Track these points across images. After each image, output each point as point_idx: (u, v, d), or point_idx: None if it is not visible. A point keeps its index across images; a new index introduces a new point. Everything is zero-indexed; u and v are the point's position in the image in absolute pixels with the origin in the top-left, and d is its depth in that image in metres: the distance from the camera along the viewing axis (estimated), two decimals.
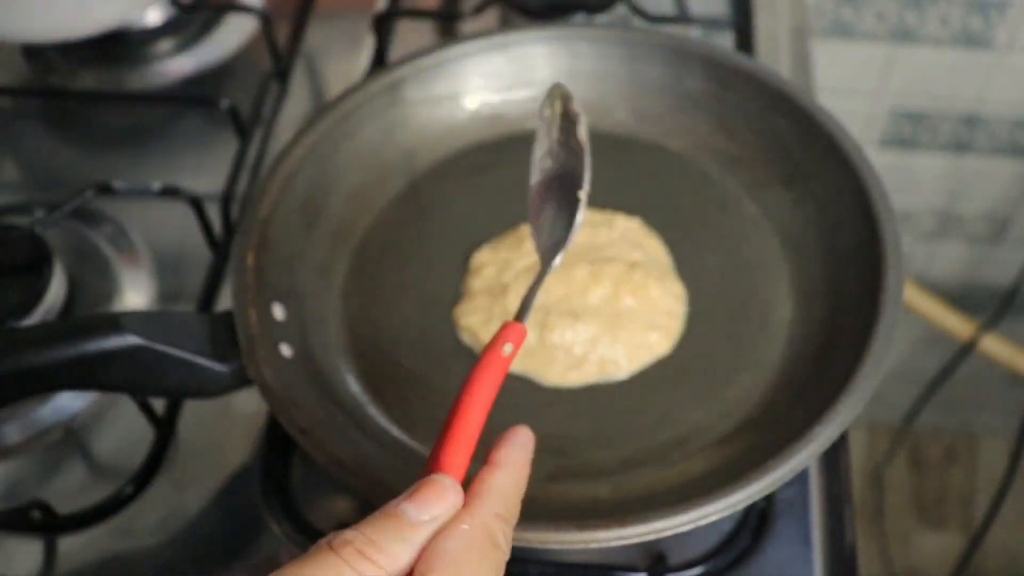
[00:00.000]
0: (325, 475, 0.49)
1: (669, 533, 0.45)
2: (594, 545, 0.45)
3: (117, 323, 0.48)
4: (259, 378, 0.50)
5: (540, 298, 0.58)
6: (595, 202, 0.63)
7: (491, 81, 0.66)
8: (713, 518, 0.46)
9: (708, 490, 0.46)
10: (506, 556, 0.38)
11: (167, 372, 0.50)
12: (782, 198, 0.61)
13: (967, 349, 1.35)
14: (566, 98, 0.51)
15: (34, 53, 0.82)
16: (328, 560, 0.34)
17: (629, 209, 0.62)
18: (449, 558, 0.35)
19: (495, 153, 0.66)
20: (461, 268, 0.61)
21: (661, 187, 0.64)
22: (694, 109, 0.65)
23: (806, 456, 0.47)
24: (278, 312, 0.55)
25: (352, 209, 0.62)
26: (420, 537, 0.36)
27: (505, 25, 0.79)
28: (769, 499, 0.55)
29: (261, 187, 0.58)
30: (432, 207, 0.63)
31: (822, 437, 0.47)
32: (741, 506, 0.46)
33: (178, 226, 0.68)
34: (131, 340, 0.47)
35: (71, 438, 0.60)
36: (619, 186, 0.63)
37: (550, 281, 0.58)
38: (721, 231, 0.61)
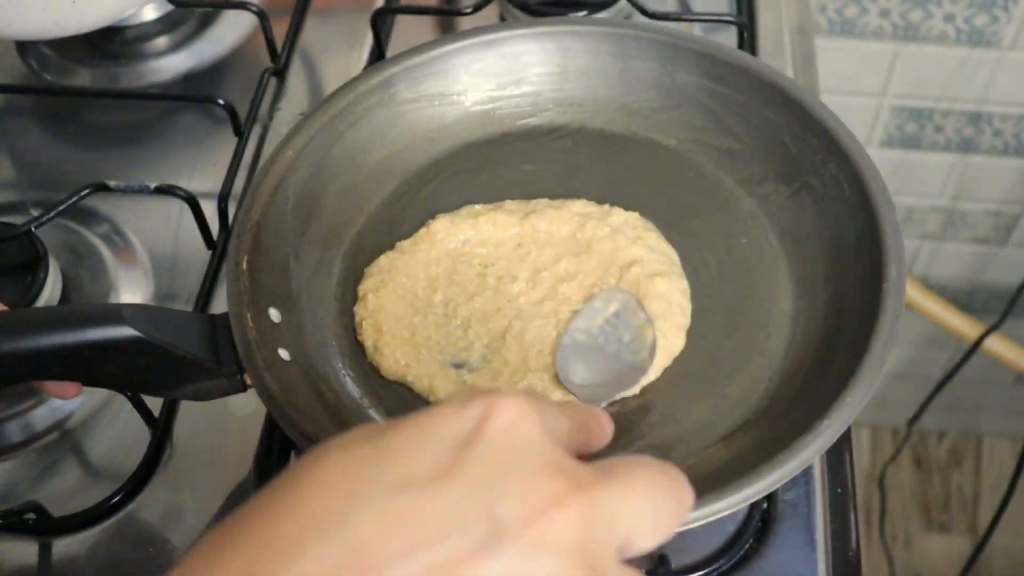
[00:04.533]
0: None
1: (680, 530, 0.44)
2: None
3: (118, 314, 0.47)
4: (259, 383, 0.50)
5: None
6: (589, 199, 0.62)
7: (482, 79, 0.66)
8: (725, 513, 0.45)
9: (718, 485, 0.45)
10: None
11: (165, 369, 0.49)
12: (779, 192, 0.61)
13: (972, 350, 1.34)
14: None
15: (29, 50, 0.81)
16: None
17: (624, 206, 0.62)
18: (649, 466, 0.34)
19: (488, 151, 0.65)
20: None
21: (655, 183, 0.63)
22: (687, 104, 0.64)
23: (816, 448, 0.46)
24: (275, 316, 0.54)
25: (345, 210, 0.62)
26: (581, 422, 0.36)
27: (504, 22, 0.78)
28: (772, 501, 0.54)
29: (253, 191, 0.57)
30: (425, 207, 0.63)
31: (831, 430, 0.47)
32: (753, 499, 0.45)
33: (174, 225, 0.68)
34: (130, 332, 0.47)
35: (66, 439, 0.59)
36: (613, 183, 0.63)
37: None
38: (717, 226, 0.61)
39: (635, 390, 0.53)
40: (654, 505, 0.33)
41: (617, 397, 0.53)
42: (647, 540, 0.32)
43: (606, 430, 0.39)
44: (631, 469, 0.33)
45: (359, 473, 0.29)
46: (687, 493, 0.34)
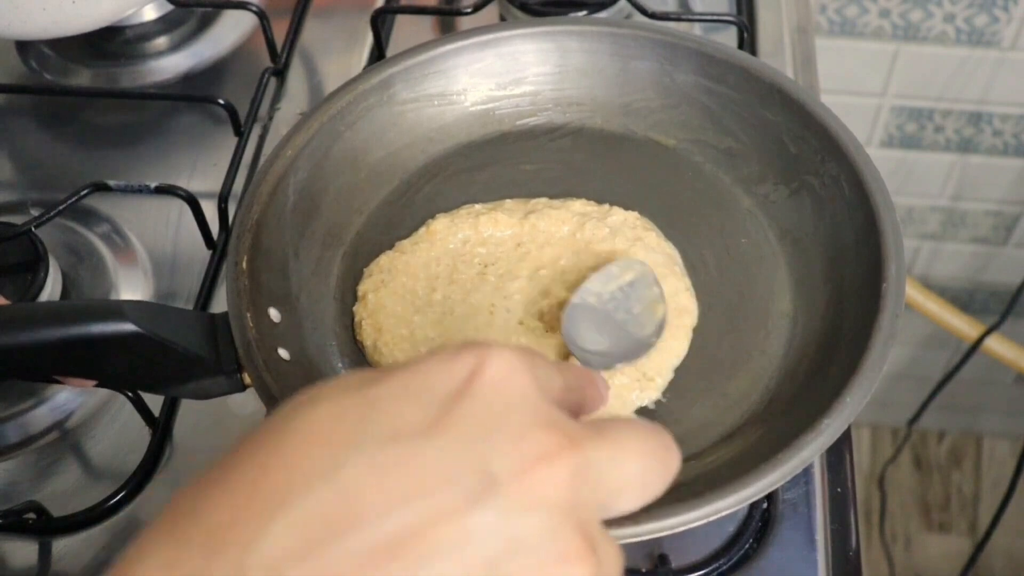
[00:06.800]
0: None
1: (681, 529, 0.44)
2: None
3: (120, 309, 0.47)
4: (259, 383, 0.50)
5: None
6: (588, 198, 0.62)
7: (481, 79, 0.65)
8: (726, 513, 0.45)
9: (719, 485, 0.45)
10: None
11: (165, 366, 0.49)
12: (778, 191, 0.61)
13: (972, 350, 1.34)
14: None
15: (29, 50, 0.81)
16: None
17: (623, 206, 0.62)
18: (638, 429, 0.33)
19: (487, 151, 0.65)
20: None
21: (654, 183, 0.63)
22: (686, 104, 0.64)
23: (816, 447, 0.46)
24: (275, 315, 0.54)
25: (344, 210, 0.62)
26: (576, 382, 0.36)
27: (504, 22, 0.78)
28: (773, 501, 0.54)
29: (252, 190, 0.57)
30: (425, 206, 0.63)
31: (831, 428, 0.47)
32: (754, 499, 0.45)
33: (174, 225, 0.68)
34: (131, 328, 0.47)
35: (66, 439, 0.59)
36: (612, 183, 0.63)
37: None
38: (716, 226, 0.61)
39: (634, 364, 0.52)
40: (642, 467, 0.32)
41: (616, 367, 0.52)
42: (632, 502, 0.32)
43: (602, 394, 0.39)
44: (622, 429, 0.32)
45: (348, 424, 0.29)
46: (675, 457, 0.34)
